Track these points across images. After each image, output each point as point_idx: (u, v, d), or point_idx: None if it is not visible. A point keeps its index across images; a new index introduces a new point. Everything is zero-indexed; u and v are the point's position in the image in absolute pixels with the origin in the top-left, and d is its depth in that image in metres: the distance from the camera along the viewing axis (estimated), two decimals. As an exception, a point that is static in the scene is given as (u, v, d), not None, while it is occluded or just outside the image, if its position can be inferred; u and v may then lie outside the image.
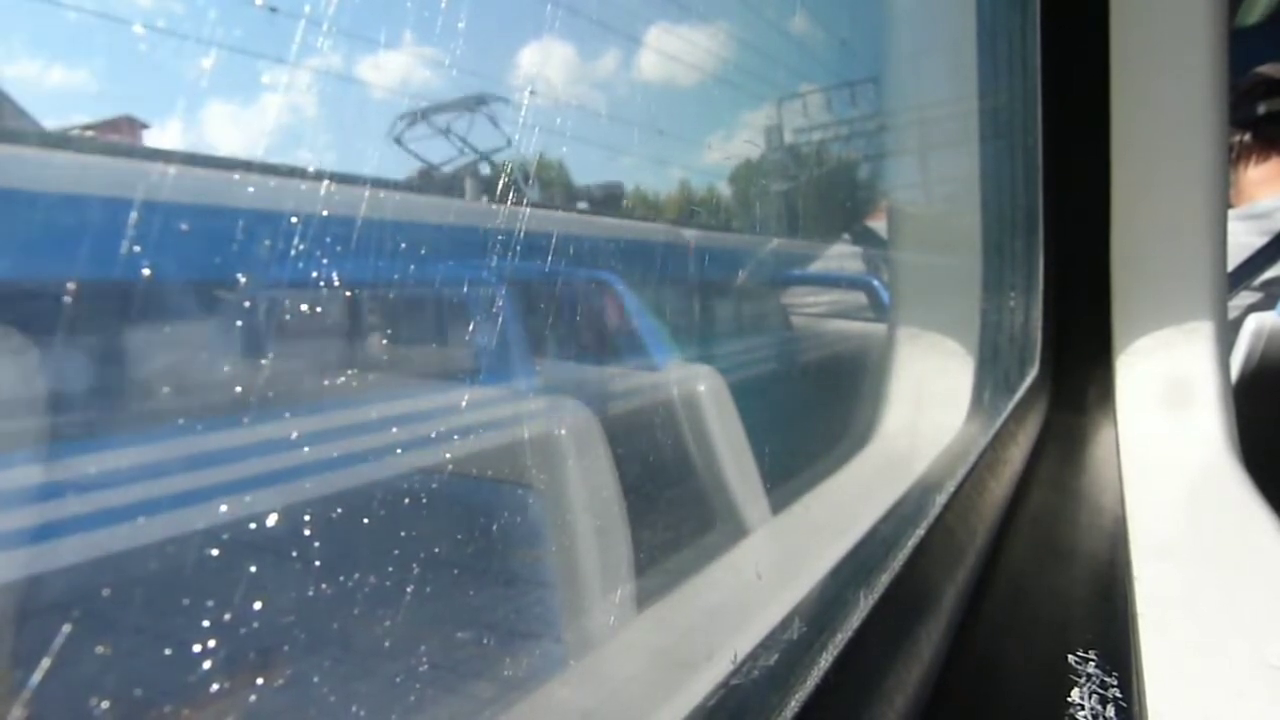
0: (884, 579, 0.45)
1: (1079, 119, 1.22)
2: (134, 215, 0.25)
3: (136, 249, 0.26)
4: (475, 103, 0.90)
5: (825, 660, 0.35)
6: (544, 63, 0.56)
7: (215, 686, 0.32)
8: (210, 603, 0.32)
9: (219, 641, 0.32)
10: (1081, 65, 1.20)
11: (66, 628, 0.26)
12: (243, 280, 0.35)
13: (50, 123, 0.62)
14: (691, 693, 0.33)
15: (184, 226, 0.28)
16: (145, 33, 0.32)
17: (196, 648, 0.31)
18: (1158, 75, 1.16)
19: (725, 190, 1.07)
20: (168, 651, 0.31)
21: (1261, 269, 1.63)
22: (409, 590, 0.43)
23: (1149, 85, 1.17)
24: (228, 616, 0.32)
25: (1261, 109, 1.69)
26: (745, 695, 0.33)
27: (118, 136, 0.59)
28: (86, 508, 0.47)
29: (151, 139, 0.59)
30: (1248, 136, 1.73)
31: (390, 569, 0.43)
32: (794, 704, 0.32)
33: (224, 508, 0.41)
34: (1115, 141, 1.20)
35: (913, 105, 1.13)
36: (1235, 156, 1.71)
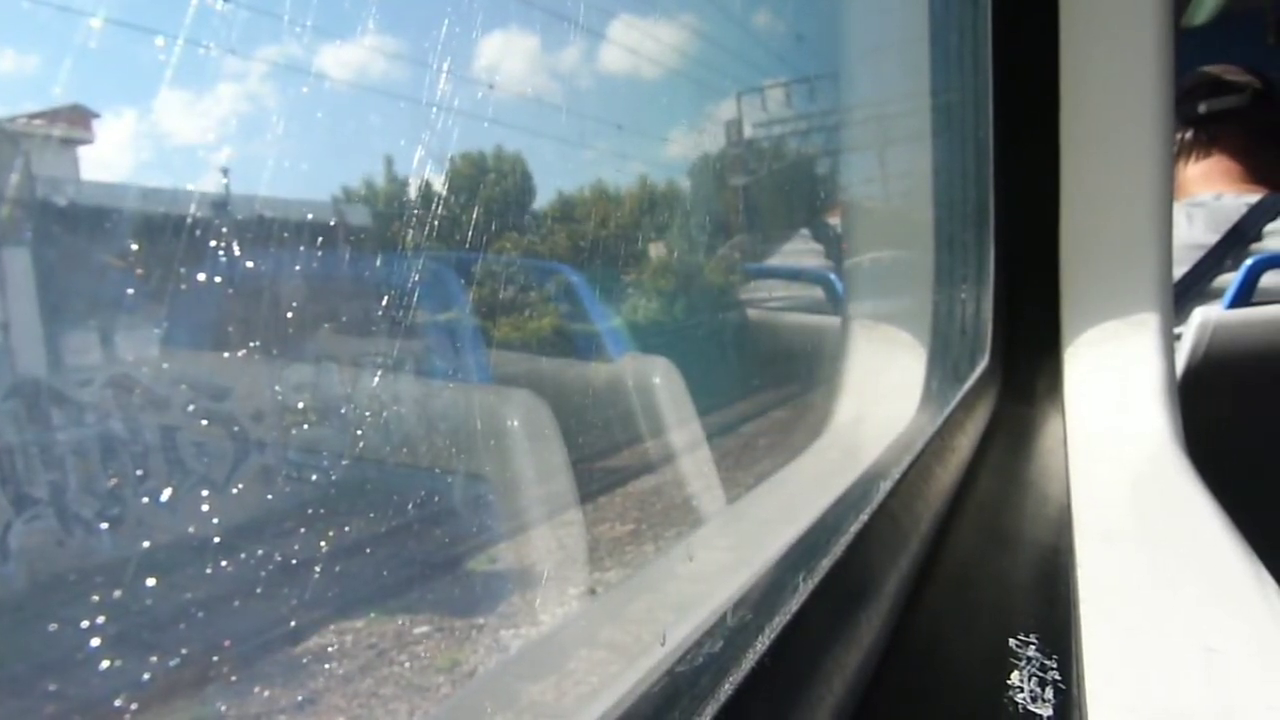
0: (825, 564, 0.45)
1: (1029, 114, 1.24)
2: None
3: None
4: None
5: (761, 644, 0.35)
6: (505, 55, 0.55)
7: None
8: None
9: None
10: (1031, 62, 1.22)
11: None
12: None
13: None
14: (625, 680, 0.33)
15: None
16: (95, 21, 0.32)
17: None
18: (1106, 73, 1.18)
19: (684, 184, 1.08)
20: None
21: (1207, 275, 1.66)
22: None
23: (1098, 82, 1.19)
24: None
25: (1203, 108, 1.73)
26: (680, 681, 0.33)
27: (67, 126, 0.58)
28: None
29: (102, 129, 0.58)
30: (1189, 134, 1.77)
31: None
32: (728, 687, 0.32)
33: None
34: (1064, 138, 1.22)
35: (865, 101, 1.14)
36: (1176, 153, 1.75)
